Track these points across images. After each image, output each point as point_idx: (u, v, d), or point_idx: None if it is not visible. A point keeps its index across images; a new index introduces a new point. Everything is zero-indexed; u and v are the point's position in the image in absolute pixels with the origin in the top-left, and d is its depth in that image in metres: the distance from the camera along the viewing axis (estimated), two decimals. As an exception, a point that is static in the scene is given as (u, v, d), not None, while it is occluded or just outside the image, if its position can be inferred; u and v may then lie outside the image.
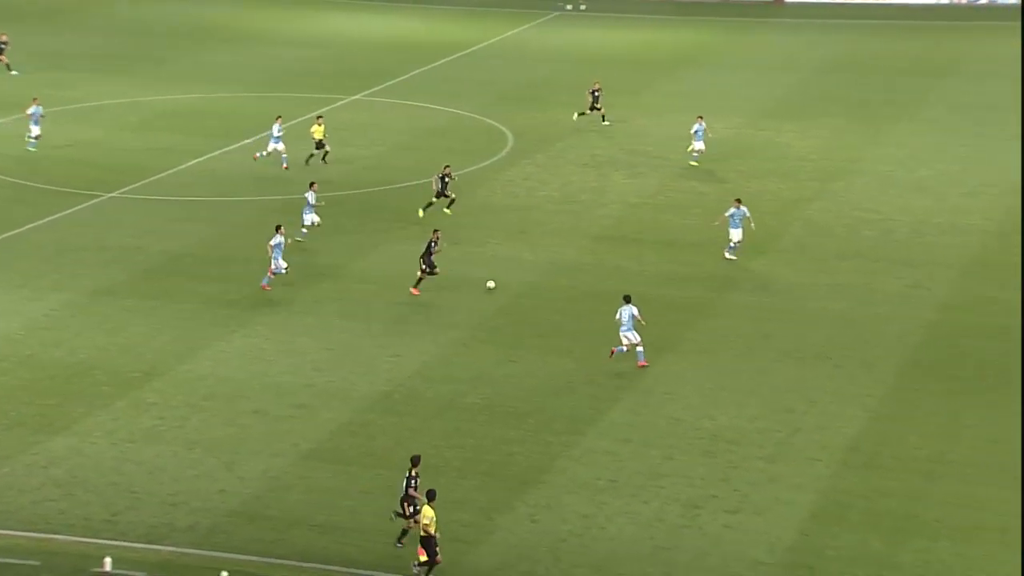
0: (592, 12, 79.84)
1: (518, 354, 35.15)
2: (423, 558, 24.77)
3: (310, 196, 42.38)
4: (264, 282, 38.39)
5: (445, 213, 43.69)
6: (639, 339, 33.72)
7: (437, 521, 24.69)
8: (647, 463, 29.54)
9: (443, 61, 68.02)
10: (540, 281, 40.04)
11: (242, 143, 52.49)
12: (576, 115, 54.83)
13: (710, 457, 29.75)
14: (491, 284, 38.34)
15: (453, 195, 44.38)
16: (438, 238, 38.35)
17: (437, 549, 24.73)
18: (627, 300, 34.15)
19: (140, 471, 29.04)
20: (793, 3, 79.47)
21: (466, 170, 48.50)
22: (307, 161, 48.91)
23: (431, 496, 24.98)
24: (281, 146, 48.68)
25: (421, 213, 43.67)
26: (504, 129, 55.76)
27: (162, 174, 49.51)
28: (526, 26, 76.64)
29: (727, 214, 40.70)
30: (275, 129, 48.80)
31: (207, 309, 37.58)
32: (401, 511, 26.03)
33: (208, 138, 53.75)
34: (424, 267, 37.89)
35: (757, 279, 39.66)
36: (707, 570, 25.70)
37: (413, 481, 26.08)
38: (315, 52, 69.89)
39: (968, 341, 35.34)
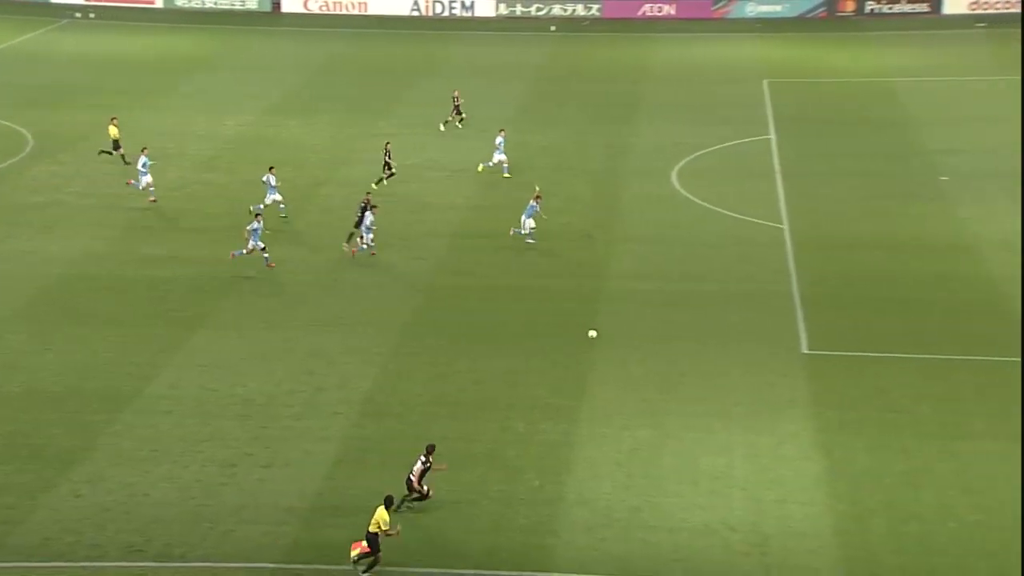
0: (101, 20, 76.43)
1: (53, 341, 33.50)
2: (356, 552, 24.05)
3: (271, 178, 42.29)
4: (236, 252, 38.17)
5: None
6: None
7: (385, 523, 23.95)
8: (186, 431, 29.16)
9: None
10: (70, 272, 38.30)
11: None
12: (442, 125, 53.50)
13: (244, 420, 29.78)
14: (593, 334, 32.91)
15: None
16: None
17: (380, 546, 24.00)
18: None
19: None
20: (290, 12, 79.87)
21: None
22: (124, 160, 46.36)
23: (388, 503, 24.43)
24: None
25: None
26: (23, 130, 52.47)
27: None
28: (36, 32, 72.29)
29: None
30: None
31: None
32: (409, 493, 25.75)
33: None
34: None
35: (280, 258, 39.83)
36: (246, 521, 25.82)
37: (426, 469, 25.75)
38: None
39: (458, 299, 37.32)
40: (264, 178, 43.17)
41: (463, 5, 79.87)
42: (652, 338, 34.15)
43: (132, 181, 44.59)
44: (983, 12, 75.34)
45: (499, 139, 47.76)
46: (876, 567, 24.08)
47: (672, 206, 44.35)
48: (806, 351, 33.13)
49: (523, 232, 40.44)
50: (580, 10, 79.05)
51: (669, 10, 78.96)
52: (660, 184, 46.61)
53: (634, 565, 24.36)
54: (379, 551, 24.06)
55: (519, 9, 79.70)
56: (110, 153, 47.95)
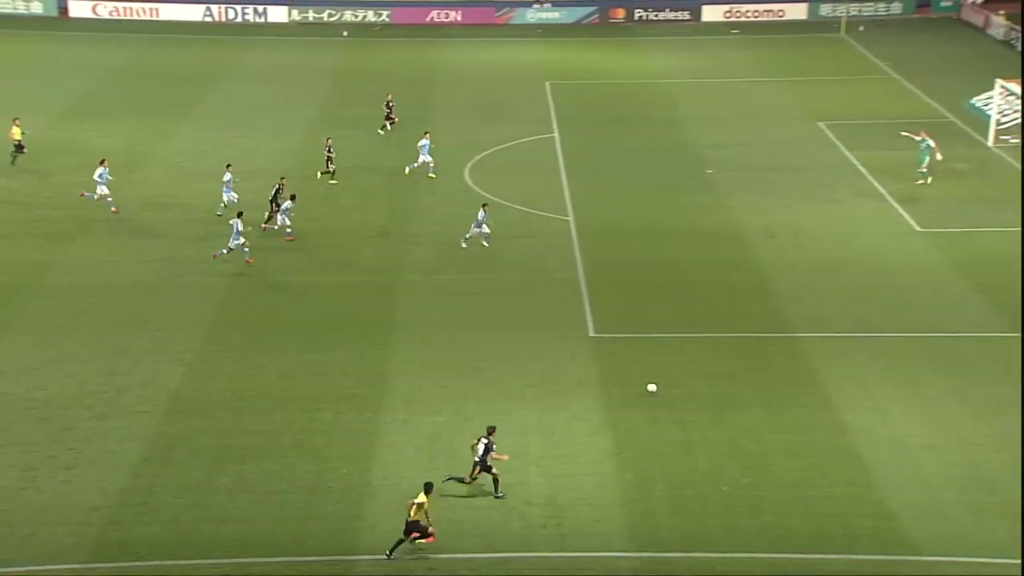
0: None
1: None
2: (412, 538, 23.83)
3: (227, 176, 41.84)
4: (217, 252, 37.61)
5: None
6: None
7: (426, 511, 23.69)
8: (-17, 437, 27.56)
9: None
10: None
11: None
12: (380, 130, 51.30)
13: (44, 423, 28.42)
14: (652, 388, 30.25)
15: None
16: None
17: (426, 528, 23.88)
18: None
19: None
20: (78, 18, 76.38)
21: None
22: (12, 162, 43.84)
23: (428, 489, 24.09)
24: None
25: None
26: None
27: None
28: None
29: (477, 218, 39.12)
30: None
31: None
32: (461, 477, 25.60)
33: None
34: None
35: (74, 261, 38.11)
36: (48, 523, 24.71)
37: (490, 447, 25.43)
38: None
39: (259, 296, 36.55)
40: (225, 177, 42.17)
41: (256, 12, 78.21)
42: (449, 327, 34.27)
43: (86, 193, 42.37)
44: (736, 20, 78.69)
45: (423, 141, 46.99)
46: (657, 530, 24.86)
47: (465, 201, 44.55)
48: (593, 334, 33.86)
49: (467, 237, 39.42)
50: (371, 16, 78.59)
51: (455, 16, 79.36)
52: (454, 181, 46.78)
53: (437, 543, 24.39)
54: (427, 530, 23.92)
55: (312, 15, 78.62)
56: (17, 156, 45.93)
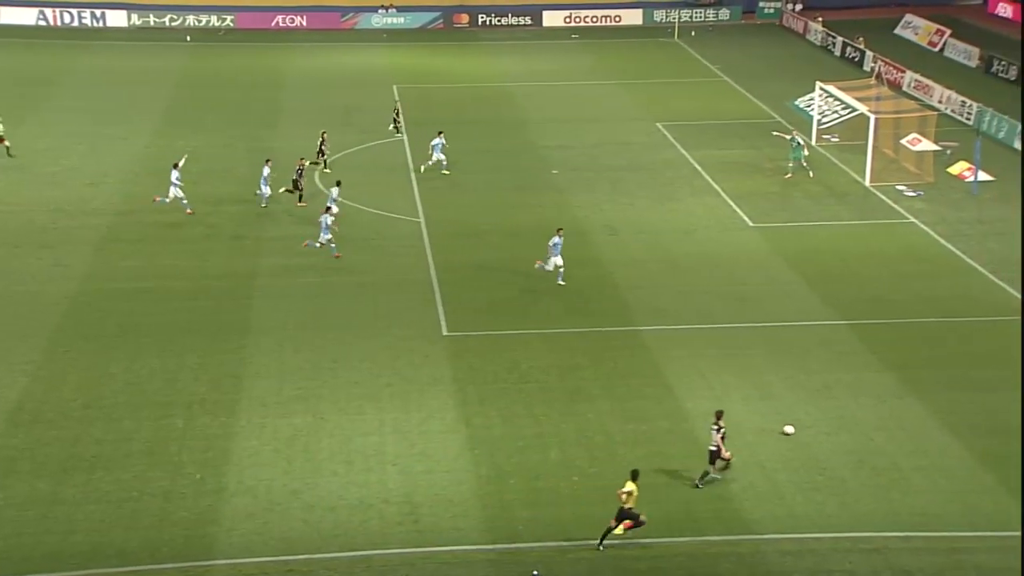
0: None
1: None
2: (622, 529, 23.66)
3: (266, 170, 42.83)
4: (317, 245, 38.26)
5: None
6: None
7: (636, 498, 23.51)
8: None
9: None
10: None
11: None
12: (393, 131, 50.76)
13: None
14: (790, 429, 28.38)
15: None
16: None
17: (638, 516, 23.75)
18: None
19: None
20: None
21: None
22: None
23: (635, 476, 23.95)
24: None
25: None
26: None
27: None
28: None
29: (551, 243, 36.38)
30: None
31: None
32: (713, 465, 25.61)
33: None
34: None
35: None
36: None
37: (720, 432, 25.58)
38: None
39: (108, 303, 35.33)
40: (265, 172, 43.02)
41: (93, 16, 75.52)
42: (304, 329, 33.75)
43: (158, 198, 42.12)
44: (576, 25, 79.81)
45: (436, 140, 47.51)
46: (512, 522, 24.98)
47: (318, 205, 43.92)
48: (446, 333, 33.82)
49: (548, 268, 36.42)
50: (214, 21, 76.78)
51: (301, 21, 78.24)
52: (305, 184, 46.06)
53: (296, 545, 24.01)
54: (639, 518, 23.76)
55: (152, 20, 76.37)
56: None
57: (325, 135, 47.85)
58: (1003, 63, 63.75)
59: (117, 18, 75.89)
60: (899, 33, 75.09)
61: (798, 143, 47.61)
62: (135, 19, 76.08)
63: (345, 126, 54.70)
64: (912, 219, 43.00)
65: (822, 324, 34.42)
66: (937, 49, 70.82)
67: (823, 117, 52.49)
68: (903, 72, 61.68)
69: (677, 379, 30.90)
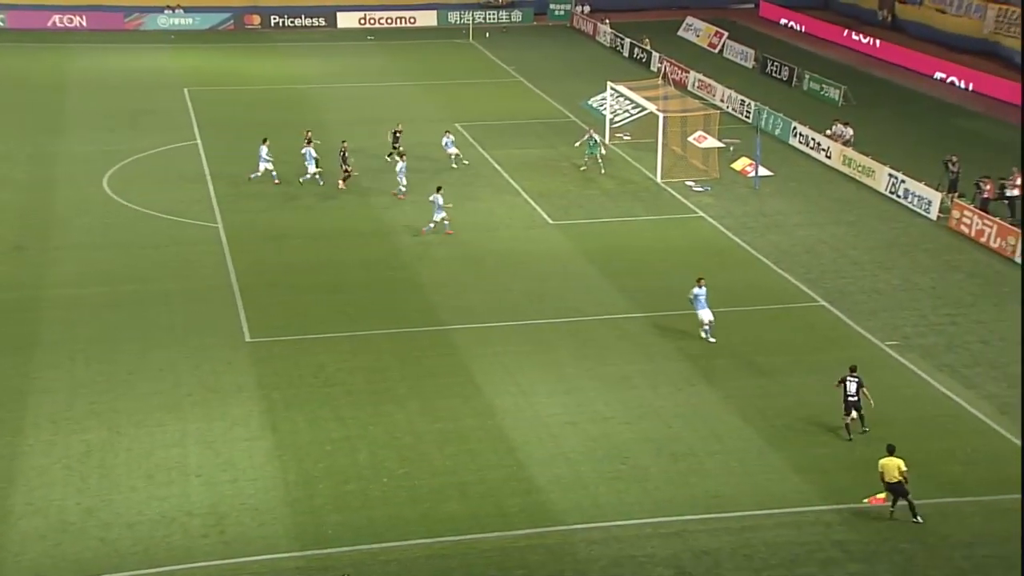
0: None
1: None
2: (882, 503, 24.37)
3: (310, 150, 44.59)
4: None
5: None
6: None
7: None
8: None
9: None
10: None
11: None
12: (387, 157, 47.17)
13: None
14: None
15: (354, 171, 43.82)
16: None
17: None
18: None
19: None
20: None
21: None
22: None
23: (891, 450, 24.49)
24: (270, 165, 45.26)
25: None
26: None
27: None
28: None
29: (691, 296, 33.07)
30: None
31: None
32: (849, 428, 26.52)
33: None
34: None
35: None
36: None
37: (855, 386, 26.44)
38: None
39: None
40: (303, 151, 44.81)
41: None
42: (96, 341, 32.33)
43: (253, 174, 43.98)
44: (371, 26, 79.43)
45: (447, 138, 48.57)
46: (322, 527, 24.63)
47: (106, 212, 42.21)
48: (249, 339, 33.04)
49: (704, 325, 33.21)
50: (-14, 20, 72.68)
51: (80, 21, 74.93)
52: (92, 191, 44.17)
53: (92, 565, 22.96)
54: (908, 492, 24.30)
55: (-82, 18, 71.71)
56: None
57: (346, 144, 46.56)
58: (776, 64, 67.14)
59: None
60: (682, 35, 78.00)
61: (595, 140, 49.04)
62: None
63: (133, 130, 52.68)
64: (701, 213, 44.73)
65: (621, 317, 35.38)
66: (716, 50, 73.93)
67: (615, 116, 53.94)
68: (687, 72, 64.10)
69: (484, 377, 31.15)
